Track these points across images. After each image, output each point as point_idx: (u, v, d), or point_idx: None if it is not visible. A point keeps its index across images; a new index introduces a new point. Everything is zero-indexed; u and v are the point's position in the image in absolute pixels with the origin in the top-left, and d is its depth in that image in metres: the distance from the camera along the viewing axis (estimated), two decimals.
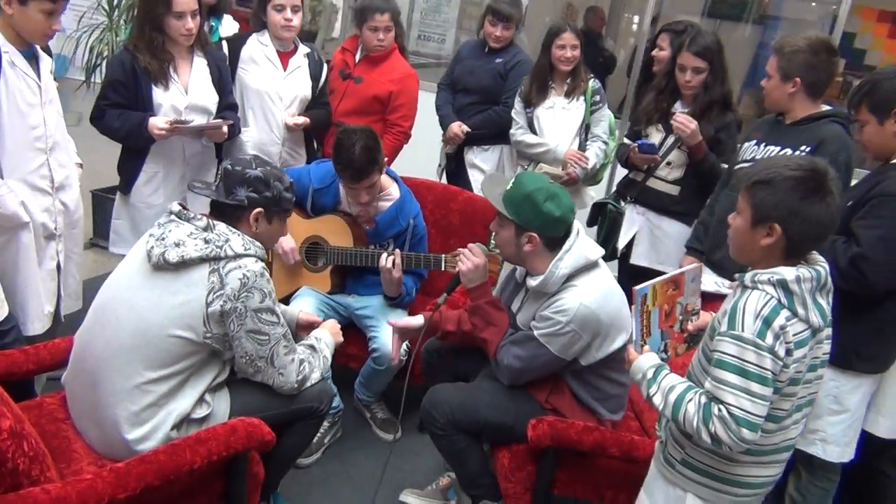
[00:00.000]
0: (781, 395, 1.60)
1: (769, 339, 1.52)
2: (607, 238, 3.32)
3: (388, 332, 2.62)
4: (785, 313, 1.54)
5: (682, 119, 2.94)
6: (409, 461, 2.82)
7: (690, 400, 1.60)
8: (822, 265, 1.62)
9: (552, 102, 3.53)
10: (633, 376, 1.77)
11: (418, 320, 2.45)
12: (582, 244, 2.19)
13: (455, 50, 7.61)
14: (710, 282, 2.63)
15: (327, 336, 2.28)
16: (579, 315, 2.11)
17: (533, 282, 2.20)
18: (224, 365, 2.02)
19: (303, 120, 3.23)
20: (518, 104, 3.57)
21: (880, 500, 2.71)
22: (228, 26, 3.35)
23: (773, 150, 2.51)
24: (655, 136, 3.13)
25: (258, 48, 3.21)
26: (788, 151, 2.46)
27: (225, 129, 2.86)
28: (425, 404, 2.32)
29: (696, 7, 7.76)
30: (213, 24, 3.25)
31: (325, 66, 3.40)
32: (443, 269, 2.67)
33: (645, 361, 1.74)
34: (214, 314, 1.88)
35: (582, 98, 3.49)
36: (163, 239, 1.90)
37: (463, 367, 2.54)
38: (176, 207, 1.98)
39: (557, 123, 3.53)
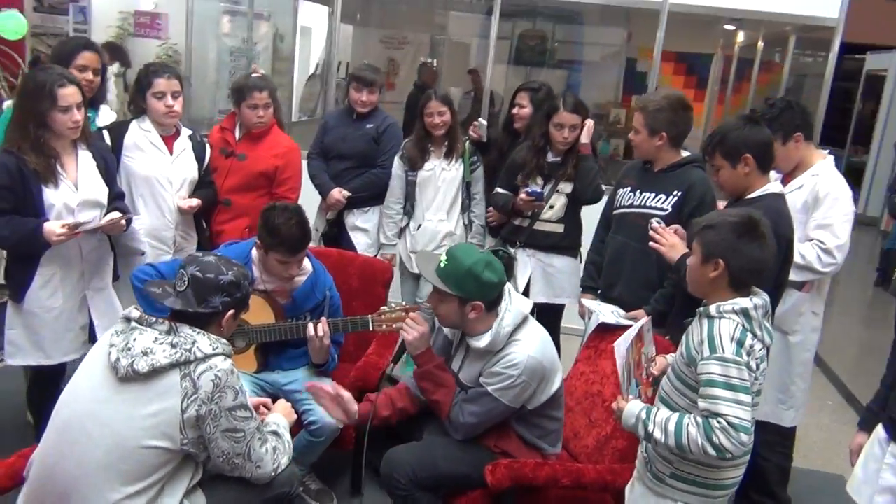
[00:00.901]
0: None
1: (743, 355, 1.84)
2: None
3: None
4: (749, 335, 1.87)
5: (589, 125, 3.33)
6: None
7: (688, 424, 1.85)
8: (765, 295, 1.96)
9: (433, 165, 3.78)
10: (626, 422, 1.99)
11: (353, 409, 2.49)
12: (517, 301, 2.41)
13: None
14: (608, 312, 2.96)
15: (282, 420, 2.30)
16: (529, 366, 2.32)
17: (479, 343, 2.37)
18: (197, 467, 2.00)
19: (196, 202, 3.23)
20: (399, 167, 3.78)
21: (762, 481, 3.14)
22: (106, 116, 3.27)
23: (649, 196, 2.88)
24: (534, 186, 3.44)
25: (141, 135, 3.18)
26: (663, 196, 2.84)
27: (124, 221, 2.80)
28: (385, 468, 2.40)
29: (504, 56, 8.43)
30: (90, 115, 3.16)
31: (208, 146, 3.41)
32: (371, 329, 2.77)
33: (634, 407, 1.99)
34: (190, 420, 1.88)
35: (460, 159, 3.77)
36: (129, 349, 1.88)
37: (403, 428, 2.65)
38: (135, 314, 1.96)
39: (439, 184, 3.79)
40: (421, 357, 2.47)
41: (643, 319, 2.23)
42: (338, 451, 2.91)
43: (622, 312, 2.93)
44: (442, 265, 2.37)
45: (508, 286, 2.44)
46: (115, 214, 2.77)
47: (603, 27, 8.40)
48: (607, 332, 2.89)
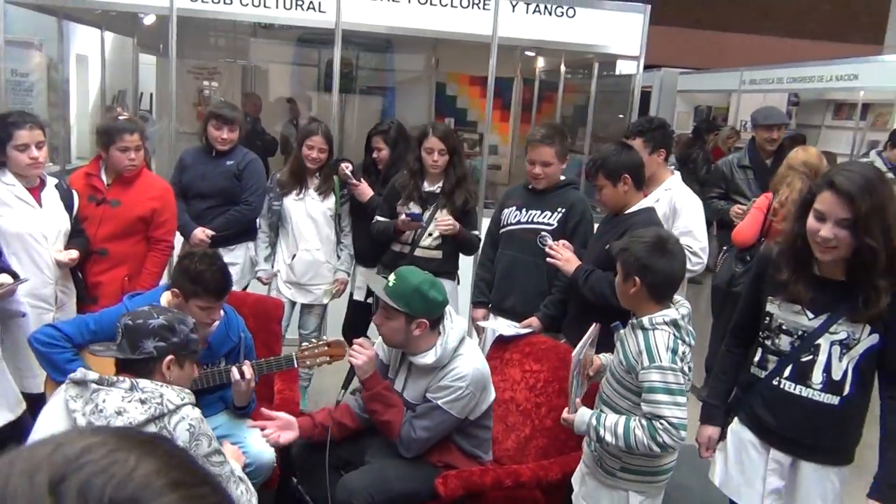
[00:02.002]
0: None
1: (678, 362, 2.12)
2: None
3: (254, 441, 2.73)
4: (680, 342, 2.15)
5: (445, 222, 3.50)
6: None
7: (635, 427, 2.11)
8: (687, 304, 2.26)
9: (303, 195, 3.85)
10: (577, 428, 2.23)
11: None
12: (457, 320, 2.60)
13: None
14: (504, 325, 3.22)
15: (237, 465, 2.31)
16: (475, 377, 2.50)
17: (424, 359, 2.51)
18: None
19: (75, 253, 3.06)
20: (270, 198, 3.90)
21: None
22: None
23: (535, 213, 3.20)
24: (414, 209, 3.63)
25: (4, 189, 2.96)
26: (548, 213, 3.17)
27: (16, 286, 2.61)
28: (342, 495, 2.46)
29: (313, 83, 8.53)
30: None
31: (75, 194, 3.22)
32: (296, 366, 2.81)
33: (584, 414, 2.22)
34: None
35: (332, 193, 3.87)
36: (101, 411, 1.83)
37: (340, 455, 2.71)
38: (91, 375, 1.90)
39: (311, 216, 3.87)
40: (369, 381, 2.56)
41: (592, 327, 2.48)
42: (262, 489, 2.89)
43: (515, 324, 3.20)
44: (390, 284, 2.49)
45: (448, 308, 2.61)
46: (7, 279, 2.58)
47: (410, 54, 8.76)
48: (509, 343, 3.15)
